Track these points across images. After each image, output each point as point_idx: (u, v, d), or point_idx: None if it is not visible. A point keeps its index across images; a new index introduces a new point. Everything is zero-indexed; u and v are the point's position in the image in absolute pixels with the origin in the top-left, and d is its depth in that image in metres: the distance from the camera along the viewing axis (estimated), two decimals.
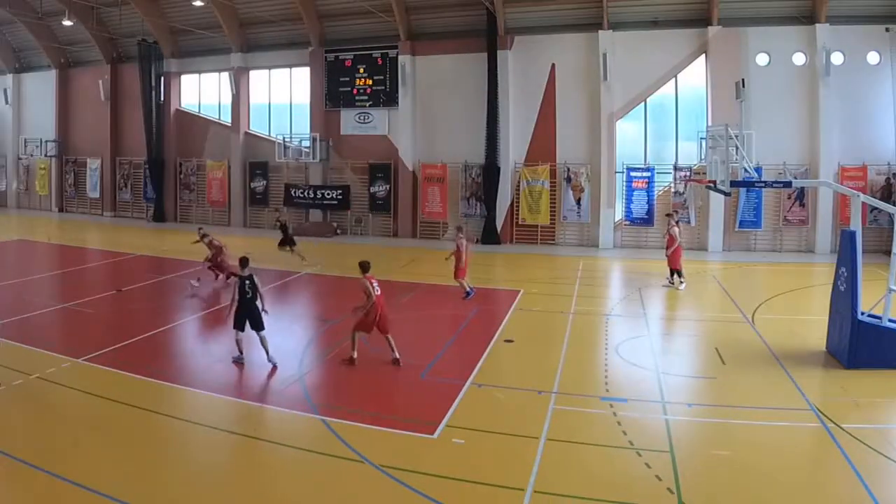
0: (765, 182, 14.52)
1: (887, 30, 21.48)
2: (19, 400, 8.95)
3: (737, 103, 18.88)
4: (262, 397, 9.19)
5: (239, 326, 10.36)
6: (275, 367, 10.21)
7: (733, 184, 12.52)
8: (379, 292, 10.42)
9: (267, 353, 10.29)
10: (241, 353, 10.49)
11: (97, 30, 31.33)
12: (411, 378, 10.15)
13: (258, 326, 10.32)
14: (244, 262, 10.62)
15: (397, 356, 10.47)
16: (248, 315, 10.31)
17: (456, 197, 25.88)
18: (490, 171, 24.79)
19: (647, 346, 12.02)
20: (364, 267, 10.64)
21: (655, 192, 23.76)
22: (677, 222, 17.31)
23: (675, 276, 16.80)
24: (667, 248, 16.84)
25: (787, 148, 22.10)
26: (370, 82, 27.21)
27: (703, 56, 22.94)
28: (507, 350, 11.65)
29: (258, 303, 10.40)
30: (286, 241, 19.55)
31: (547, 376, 10.05)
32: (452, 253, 15.67)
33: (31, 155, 34.79)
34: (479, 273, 19.66)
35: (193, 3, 26.50)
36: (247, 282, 10.34)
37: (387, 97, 26.94)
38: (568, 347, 11.71)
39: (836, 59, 21.81)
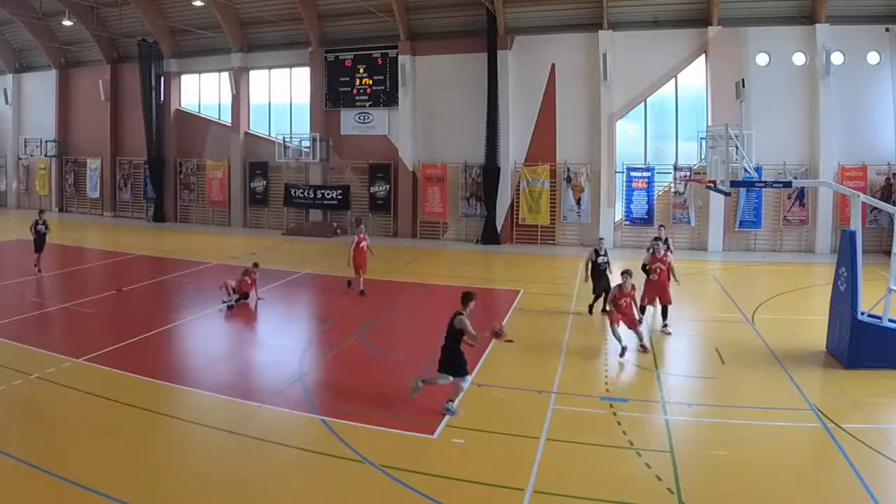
0: (765, 182, 14.51)
1: (887, 30, 21.48)
2: (19, 400, 8.95)
3: (737, 103, 18.88)
4: (262, 397, 9.18)
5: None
6: None
7: (733, 184, 12.50)
8: None
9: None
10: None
11: (97, 30, 31.32)
12: (411, 378, 10.14)
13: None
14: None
15: None
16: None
17: (456, 197, 25.87)
18: (490, 171, 24.77)
19: (647, 345, 11.98)
20: None
21: (655, 192, 23.74)
22: None
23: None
24: None
25: (787, 148, 22.10)
26: (370, 82, 27.20)
27: (703, 56, 22.92)
28: (507, 350, 11.62)
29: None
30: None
31: (547, 376, 10.05)
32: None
33: (31, 155, 34.77)
34: (479, 273, 19.70)
35: (193, 3, 26.49)
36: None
37: (387, 97, 26.93)
38: (568, 347, 11.71)
39: (836, 59, 21.80)
